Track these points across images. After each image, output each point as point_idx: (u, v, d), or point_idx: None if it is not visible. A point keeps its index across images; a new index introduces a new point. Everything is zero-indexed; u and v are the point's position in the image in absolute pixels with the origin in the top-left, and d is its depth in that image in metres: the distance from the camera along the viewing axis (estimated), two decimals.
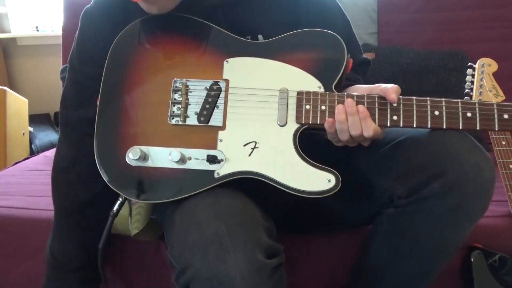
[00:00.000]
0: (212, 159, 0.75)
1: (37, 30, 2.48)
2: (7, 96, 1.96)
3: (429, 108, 0.73)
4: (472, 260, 0.98)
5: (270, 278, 0.67)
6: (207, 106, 0.78)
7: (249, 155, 0.75)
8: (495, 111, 0.73)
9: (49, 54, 2.45)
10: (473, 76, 1.24)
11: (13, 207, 1.15)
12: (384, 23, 1.66)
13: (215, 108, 0.78)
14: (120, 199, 0.83)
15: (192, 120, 0.78)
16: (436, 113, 0.73)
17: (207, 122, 0.77)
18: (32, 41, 2.47)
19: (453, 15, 1.64)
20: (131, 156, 0.76)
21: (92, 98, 0.84)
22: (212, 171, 0.75)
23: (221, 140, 0.76)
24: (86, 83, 0.87)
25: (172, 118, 0.78)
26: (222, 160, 0.75)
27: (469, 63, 1.27)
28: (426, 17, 1.64)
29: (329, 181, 0.73)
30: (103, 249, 0.89)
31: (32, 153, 2.09)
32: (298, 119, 0.75)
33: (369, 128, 0.72)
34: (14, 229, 1.11)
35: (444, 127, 0.73)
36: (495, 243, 1.00)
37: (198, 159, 0.75)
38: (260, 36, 0.87)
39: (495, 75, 1.25)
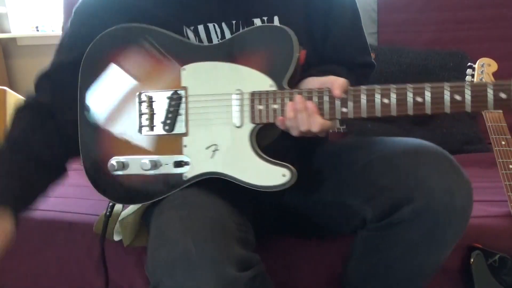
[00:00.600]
0: (179, 164, 0.80)
1: (37, 30, 2.48)
2: (7, 96, 1.96)
3: (379, 97, 0.71)
4: (472, 260, 0.98)
5: None
6: (170, 115, 0.81)
7: (211, 157, 0.79)
8: (446, 91, 0.69)
9: (49, 54, 2.41)
10: (472, 76, 1.25)
11: None
12: (384, 23, 1.66)
13: (178, 116, 0.81)
14: (111, 202, 0.89)
15: (159, 129, 0.82)
16: (386, 101, 0.71)
17: (172, 130, 0.81)
18: (32, 41, 2.47)
19: (453, 15, 1.64)
20: (110, 167, 0.82)
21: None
22: (181, 174, 0.80)
23: (185, 146, 0.80)
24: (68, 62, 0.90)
25: (142, 129, 0.83)
26: (188, 164, 0.80)
27: (469, 63, 1.27)
28: (426, 17, 1.65)
29: (284, 175, 0.74)
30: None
31: None
32: (252, 119, 0.77)
33: (316, 124, 0.71)
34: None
35: (395, 114, 0.71)
36: (495, 243, 1.00)
37: (168, 164, 0.81)
38: (276, 18, 0.87)
39: (495, 75, 1.25)
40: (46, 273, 1.09)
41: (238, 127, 0.78)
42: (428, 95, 0.69)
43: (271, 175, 0.75)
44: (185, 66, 0.81)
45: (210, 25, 0.87)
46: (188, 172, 0.80)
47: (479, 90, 0.68)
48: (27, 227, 1.10)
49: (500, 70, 1.25)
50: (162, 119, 0.82)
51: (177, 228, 0.69)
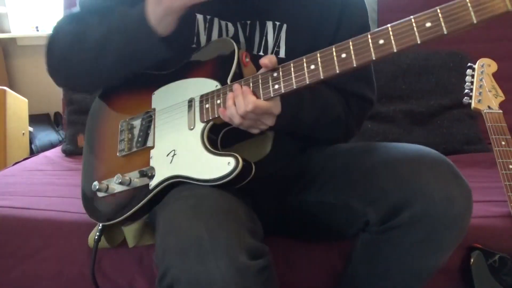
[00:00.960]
0: (144, 174, 0.86)
1: (37, 30, 2.47)
2: (7, 96, 1.96)
3: (305, 65, 0.72)
4: (472, 260, 0.98)
5: (255, 279, 0.66)
6: (141, 133, 0.91)
7: (170, 162, 0.84)
8: (370, 39, 0.67)
9: None
10: (472, 76, 1.24)
11: (13, 207, 1.15)
12: (384, 23, 1.65)
13: (148, 133, 0.90)
14: (99, 225, 0.95)
15: (134, 148, 0.92)
16: (313, 66, 0.71)
17: (143, 145, 0.90)
18: (32, 41, 2.47)
19: None
20: (93, 189, 0.91)
21: None
22: (147, 184, 0.85)
23: (152, 157, 0.87)
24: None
25: (121, 152, 0.93)
26: (152, 173, 0.86)
27: (469, 63, 1.27)
28: None
29: (229, 163, 0.76)
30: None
31: (32, 153, 2.09)
32: (201, 118, 0.83)
33: (249, 103, 0.73)
34: (14, 229, 1.11)
35: (322, 77, 0.70)
36: (495, 243, 1.00)
37: (137, 177, 0.87)
38: (284, 26, 0.90)
39: (495, 75, 1.25)
40: (46, 273, 1.09)
41: (191, 129, 0.83)
42: (351, 48, 0.69)
43: (218, 166, 0.77)
44: (154, 92, 0.92)
45: (223, 23, 0.90)
46: (152, 181, 0.85)
47: (401, 29, 0.66)
48: (27, 227, 1.10)
49: (500, 70, 1.25)
50: (136, 138, 0.92)
51: (188, 215, 0.69)
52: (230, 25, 0.90)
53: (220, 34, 0.90)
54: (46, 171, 1.50)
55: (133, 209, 0.86)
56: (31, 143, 2.14)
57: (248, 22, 0.89)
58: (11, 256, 1.10)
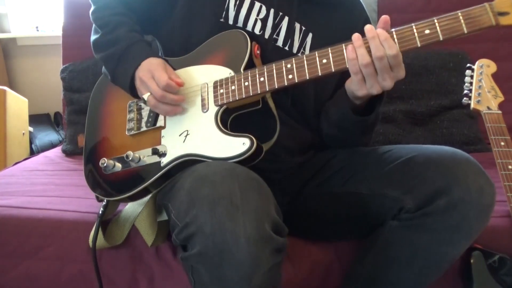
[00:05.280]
0: (155, 152, 0.91)
1: (37, 30, 2.47)
2: (7, 96, 1.96)
3: (317, 59, 0.80)
4: (471, 260, 0.98)
5: (271, 256, 0.66)
6: (151, 113, 0.96)
7: (184, 141, 0.88)
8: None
9: (49, 54, 2.45)
10: (471, 77, 1.24)
11: (13, 207, 1.15)
12: None
13: (158, 114, 0.95)
14: (104, 202, 0.99)
15: (143, 128, 0.96)
16: (324, 61, 0.79)
17: (153, 125, 0.94)
18: (32, 41, 2.47)
19: None
20: (101, 165, 0.94)
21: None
22: (159, 161, 0.90)
23: (163, 136, 0.92)
24: None
25: (130, 131, 0.97)
26: (164, 151, 0.90)
27: (468, 64, 1.27)
28: (426, 17, 1.63)
29: (244, 144, 0.80)
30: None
31: (32, 153, 2.09)
32: (215, 102, 0.88)
33: (391, 47, 0.75)
34: (14, 229, 1.11)
35: (333, 70, 0.79)
36: (494, 243, 1.00)
37: (149, 155, 0.91)
38: (310, 35, 0.95)
39: (494, 75, 1.24)
40: (46, 272, 1.09)
41: (205, 112, 0.88)
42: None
43: (233, 146, 0.81)
44: None
45: (257, 4, 0.94)
46: (164, 158, 0.89)
47: (404, 33, 0.76)
48: (27, 226, 1.11)
49: (500, 71, 1.25)
50: (145, 119, 0.96)
51: (223, 174, 0.70)
52: (264, 8, 0.94)
53: (249, 13, 0.94)
54: (46, 171, 1.50)
55: (143, 185, 0.90)
56: (31, 143, 2.14)
57: (281, 13, 0.94)
58: (11, 256, 1.10)
